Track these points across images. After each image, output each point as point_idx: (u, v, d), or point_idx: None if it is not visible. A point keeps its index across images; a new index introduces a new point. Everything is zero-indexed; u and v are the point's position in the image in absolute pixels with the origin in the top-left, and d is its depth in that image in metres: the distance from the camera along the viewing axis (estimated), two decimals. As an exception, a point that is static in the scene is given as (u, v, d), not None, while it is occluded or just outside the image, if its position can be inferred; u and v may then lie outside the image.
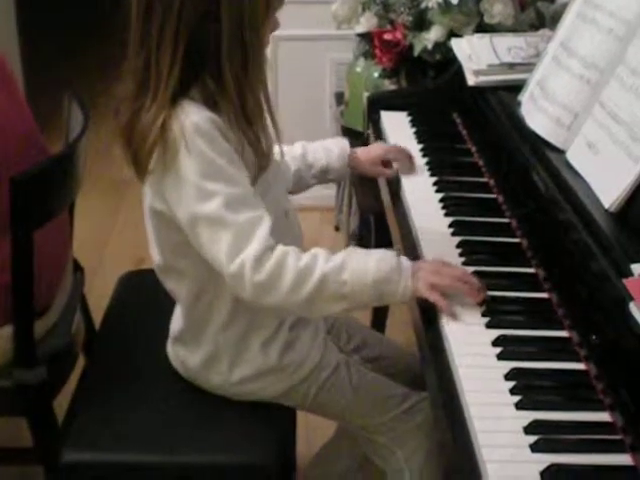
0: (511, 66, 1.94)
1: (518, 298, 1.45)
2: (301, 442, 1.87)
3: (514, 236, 1.63)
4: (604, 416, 1.20)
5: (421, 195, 1.80)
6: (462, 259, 1.55)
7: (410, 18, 2.38)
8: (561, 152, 1.57)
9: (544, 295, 1.46)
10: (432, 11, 2.33)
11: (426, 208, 1.74)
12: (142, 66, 1.39)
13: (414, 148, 1.97)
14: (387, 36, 2.42)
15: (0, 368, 1.66)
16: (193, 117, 1.37)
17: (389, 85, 2.51)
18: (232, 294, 1.48)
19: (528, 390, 1.24)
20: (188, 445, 1.54)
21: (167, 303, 1.64)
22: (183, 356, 1.62)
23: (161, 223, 1.49)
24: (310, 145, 1.80)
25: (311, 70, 3.30)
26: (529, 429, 1.17)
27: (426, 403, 1.58)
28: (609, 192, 1.37)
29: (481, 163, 1.91)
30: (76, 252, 1.99)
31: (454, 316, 1.38)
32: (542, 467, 1.11)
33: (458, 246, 1.59)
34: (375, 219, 2.45)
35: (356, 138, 2.56)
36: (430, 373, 1.34)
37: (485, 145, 1.94)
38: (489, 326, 1.37)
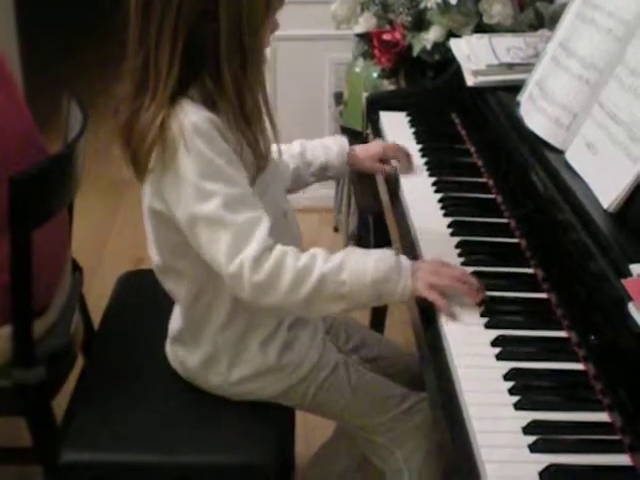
0: (510, 66, 1.94)
1: (517, 298, 1.45)
2: (300, 442, 1.88)
3: (513, 236, 1.63)
4: (603, 416, 1.20)
5: (420, 195, 1.80)
6: (461, 259, 1.55)
7: (409, 18, 2.38)
8: (560, 152, 1.57)
9: (543, 295, 1.46)
10: (431, 11, 2.33)
11: (425, 208, 1.74)
12: (141, 65, 1.39)
13: (413, 148, 1.97)
14: (386, 36, 2.42)
15: (-1, 368, 1.67)
16: (192, 117, 1.37)
17: (388, 85, 2.51)
18: (231, 294, 1.48)
19: (527, 390, 1.24)
20: (187, 445, 1.54)
21: (166, 303, 1.64)
22: (182, 356, 1.62)
23: (160, 223, 1.49)
24: (308, 143, 1.80)
25: (310, 70, 3.30)
26: (528, 429, 1.17)
27: (425, 403, 1.58)
28: (608, 192, 1.37)
29: (480, 163, 1.91)
30: (75, 252, 1.99)
31: (453, 316, 1.39)
32: (541, 467, 1.11)
33: (457, 246, 1.59)
34: (374, 219, 2.45)
35: (355, 138, 2.55)
36: (429, 373, 1.34)
37: (484, 145, 1.94)
38: (488, 326, 1.37)
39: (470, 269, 1.50)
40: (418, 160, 1.93)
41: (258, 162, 1.46)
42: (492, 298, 1.42)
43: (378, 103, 2.22)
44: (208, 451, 1.53)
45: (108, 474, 1.55)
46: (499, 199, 1.76)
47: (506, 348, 1.32)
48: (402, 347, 1.88)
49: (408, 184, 1.84)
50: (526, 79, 1.80)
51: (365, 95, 2.37)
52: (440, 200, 1.76)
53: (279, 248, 1.39)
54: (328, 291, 1.40)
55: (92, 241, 3.20)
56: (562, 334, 1.37)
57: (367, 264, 1.41)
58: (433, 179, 1.85)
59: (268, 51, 1.49)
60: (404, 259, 1.44)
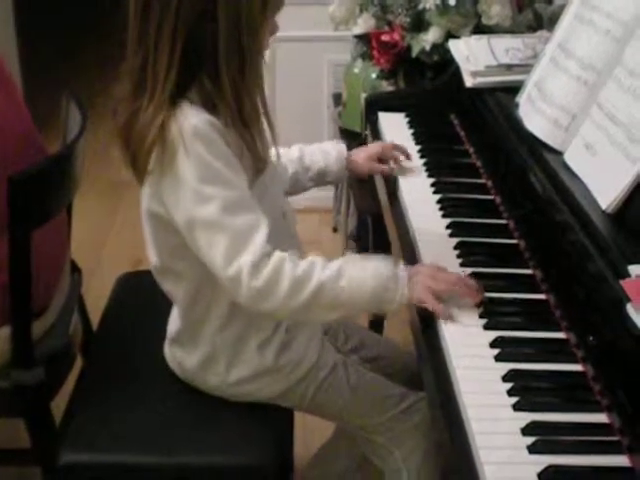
0: (509, 67, 1.94)
1: (516, 299, 1.45)
2: (299, 443, 1.87)
3: (512, 237, 1.63)
4: (601, 417, 1.20)
5: (419, 196, 1.80)
6: (460, 260, 1.55)
7: (408, 19, 2.38)
8: (559, 153, 1.57)
9: (542, 296, 1.46)
10: (430, 12, 2.33)
11: (424, 209, 1.74)
12: (140, 66, 1.39)
13: (412, 149, 1.97)
14: (385, 37, 2.42)
15: (-2, 369, 1.66)
16: (192, 119, 1.37)
17: (387, 86, 2.51)
18: (229, 297, 1.48)
19: (526, 391, 1.24)
20: (185, 446, 1.54)
21: (165, 304, 1.64)
22: (180, 357, 1.62)
23: (159, 226, 1.49)
24: (307, 148, 1.80)
25: (309, 71, 3.30)
26: (527, 430, 1.17)
27: (424, 403, 1.58)
28: (607, 193, 1.37)
29: (479, 164, 1.91)
30: (74, 253, 1.99)
31: (451, 318, 1.38)
32: (540, 468, 1.11)
33: (456, 247, 1.59)
34: (373, 220, 2.45)
35: (354, 139, 2.56)
36: (427, 374, 1.34)
37: (483, 146, 1.94)
38: (487, 327, 1.37)
39: (469, 270, 1.50)
40: (417, 161, 1.93)
41: (256, 164, 1.46)
42: (491, 299, 1.42)
43: (377, 104, 2.22)
44: (207, 452, 1.53)
45: (107, 475, 1.55)
46: (498, 200, 1.76)
47: (505, 349, 1.32)
48: (401, 346, 1.88)
49: (407, 185, 1.84)
50: (525, 80, 1.80)
51: (364, 96, 2.37)
52: (439, 201, 1.76)
53: (278, 254, 1.39)
54: (326, 299, 1.40)
55: (91, 242, 3.20)
56: (561, 335, 1.37)
57: (365, 273, 1.41)
58: (432, 180, 1.85)
59: (267, 52, 1.49)
60: (402, 267, 1.44)
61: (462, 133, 2.06)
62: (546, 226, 1.49)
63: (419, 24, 2.37)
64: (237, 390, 1.58)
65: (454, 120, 2.13)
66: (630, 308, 1.15)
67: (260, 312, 1.43)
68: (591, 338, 1.27)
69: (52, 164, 1.66)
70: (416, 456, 1.59)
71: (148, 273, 1.60)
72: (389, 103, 2.21)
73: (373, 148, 1.89)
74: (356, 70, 2.60)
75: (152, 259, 1.55)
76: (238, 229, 1.38)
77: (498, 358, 1.31)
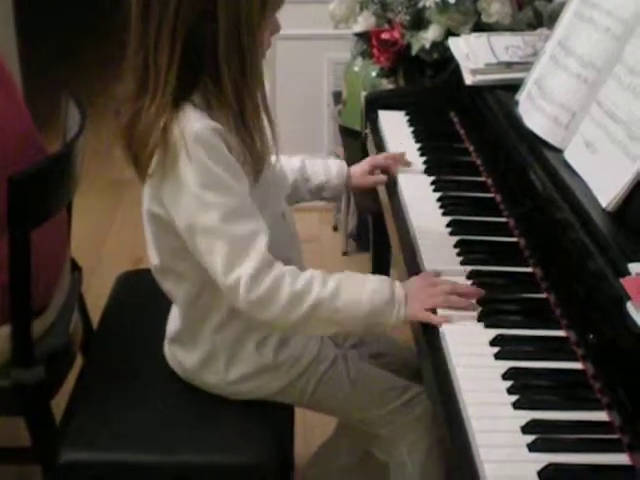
0: (509, 65, 1.94)
1: (516, 297, 1.45)
2: (299, 441, 1.87)
3: (512, 235, 1.63)
4: (602, 415, 1.20)
5: (419, 194, 1.79)
6: (460, 258, 1.55)
7: (408, 17, 2.38)
8: (559, 151, 1.57)
9: (542, 294, 1.46)
10: (430, 10, 2.33)
11: (424, 207, 1.74)
12: (141, 65, 1.39)
13: (412, 147, 1.98)
14: (385, 35, 2.43)
15: (-2, 368, 1.66)
16: (195, 124, 1.37)
17: (387, 84, 2.51)
18: (228, 303, 1.48)
19: (525, 389, 1.24)
20: (186, 445, 1.54)
21: (165, 303, 1.64)
22: (180, 356, 1.62)
23: (160, 227, 1.49)
24: (308, 160, 1.80)
25: (309, 69, 3.30)
26: (527, 429, 1.17)
27: (425, 395, 1.58)
28: (607, 191, 1.37)
29: (479, 162, 1.91)
30: (74, 251, 1.99)
31: (451, 321, 1.38)
32: (540, 466, 1.11)
33: (456, 245, 1.59)
34: (373, 219, 2.46)
35: (354, 137, 2.56)
36: (428, 372, 1.34)
37: (483, 144, 1.94)
38: (487, 325, 1.37)
39: (469, 268, 1.50)
40: (417, 159, 1.93)
41: (256, 164, 1.46)
42: (491, 297, 1.42)
43: (377, 102, 2.22)
44: (207, 451, 1.53)
45: (107, 474, 1.55)
46: (498, 198, 1.76)
47: (505, 347, 1.32)
48: (401, 343, 1.88)
49: (407, 183, 1.84)
50: (525, 78, 1.80)
51: (364, 94, 2.37)
52: (439, 199, 1.76)
53: (279, 268, 1.40)
54: (321, 317, 1.41)
55: (91, 241, 3.20)
56: (561, 333, 1.37)
57: (362, 296, 1.41)
58: (432, 178, 1.85)
59: (267, 51, 1.49)
60: (398, 289, 1.44)
61: (462, 131, 2.06)
62: (546, 224, 1.49)
63: (419, 22, 2.38)
64: (237, 388, 1.58)
65: (454, 118, 2.13)
66: (630, 306, 1.15)
67: (258, 320, 1.44)
68: (591, 336, 1.27)
69: (52, 164, 1.66)
70: (420, 449, 1.59)
71: (148, 272, 1.60)
72: (389, 101, 2.21)
73: (366, 162, 1.88)
74: (356, 68, 2.61)
75: (152, 259, 1.56)
76: (238, 236, 1.38)
77: (498, 356, 1.31)
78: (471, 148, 1.98)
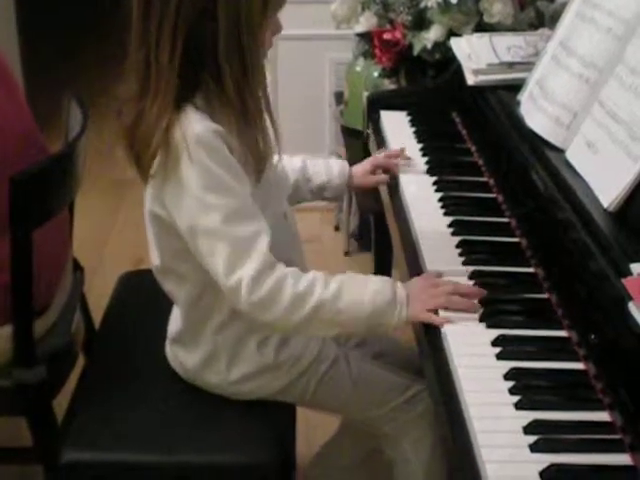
0: (510, 65, 1.94)
1: (517, 298, 1.45)
2: (301, 441, 1.87)
3: (513, 235, 1.63)
4: (603, 416, 1.20)
5: (420, 194, 1.79)
6: (461, 259, 1.55)
7: (409, 17, 2.38)
8: (560, 151, 1.57)
9: (543, 295, 1.46)
10: (431, 10, 2.33)
11: (425, 207, 1.74)
12: (143, 64, 1.39)
13: (414, 147, 1.98)
14: (387, 36, 2.43)
15: (0, 368, 1.66)
16: (196, 126, 1.36)
17: (389, 84, 2.51)
18: (230, 304, 1.48)
19: (527, 390, 1.24)
20: (187, 445, 1.54)
21: (166, 303, 1.64)
22: (182, 357, 1.62)
23: (161, 228, 1.49)
24: (310, 160, 1.80)
25: (310, 70, 3.31)
26: (528, 429, 1.17)
27: (427, 393, 1.58)
28: (608, 191, 1.37)
29: (480, 162, 1.91)
30: (76, 251, 1.99)
31: (452, 322, 1.38)
32: (542, 467, 1.11)
33: (457, 246, 1.59)
34: (375, 219, 2.46)
35: (356, 138, 2.56)
36: (429, 372, 1.34)
37: (484, 144, 1.94)
38: (488, 326, 1.37)
39: (471, 268, 1.50)
40: (419, 159, 1.93)
41: (259, 164, 1.46)
42: (492, 298, 1.42)
43: (379, 102, 2.22)
44: (208, 451, 1.53)
45: (108, 473, 1.55)
46: (500, 198, 1.76)
47: (506, 348, 1.32)
48: (403, 343, 1.88)
49: (408, 183, 1.84)
50: (526, 78, 1.80)
51: (366, 94, 2.37)
52: (440, 199, 1.76)
53: (280, 270, 1.40)
54: (323, 318, 1.41)
55: (93, 240, 3.20)
56: (562, 333, 1.37)
57: (364, 297, 1.42)
58: (434, 178, 1.85)
59: (269, 52, 1.49)
60: (400, 289, 1.44)
61: (464, 131, 2.06)
62: (548, 224, 1.49)
63: (421, 22, 2.38)
64: (238, 388, 1.58)
65: (456, 118, 2.13)
66: (632, 306, 1.15)
67: (260, 322, 1.44)
68: (593, 336, 1.27)
69: (54, 163, 1.66)
70: (424, 446, 1.59)
71: (150, 272, 1.60)
72: (391, 101, 2.21)
73: (368, 162, 1.89)
74: (358, 68, 2.61)
75: (154, 260, 1.56)
76: (240, 238, 1.38)
77: (500, 356, 1.31)
78: (473, 148, 1.98)
